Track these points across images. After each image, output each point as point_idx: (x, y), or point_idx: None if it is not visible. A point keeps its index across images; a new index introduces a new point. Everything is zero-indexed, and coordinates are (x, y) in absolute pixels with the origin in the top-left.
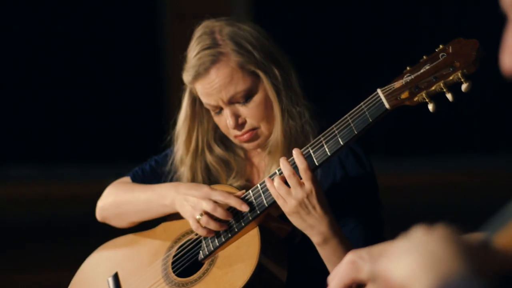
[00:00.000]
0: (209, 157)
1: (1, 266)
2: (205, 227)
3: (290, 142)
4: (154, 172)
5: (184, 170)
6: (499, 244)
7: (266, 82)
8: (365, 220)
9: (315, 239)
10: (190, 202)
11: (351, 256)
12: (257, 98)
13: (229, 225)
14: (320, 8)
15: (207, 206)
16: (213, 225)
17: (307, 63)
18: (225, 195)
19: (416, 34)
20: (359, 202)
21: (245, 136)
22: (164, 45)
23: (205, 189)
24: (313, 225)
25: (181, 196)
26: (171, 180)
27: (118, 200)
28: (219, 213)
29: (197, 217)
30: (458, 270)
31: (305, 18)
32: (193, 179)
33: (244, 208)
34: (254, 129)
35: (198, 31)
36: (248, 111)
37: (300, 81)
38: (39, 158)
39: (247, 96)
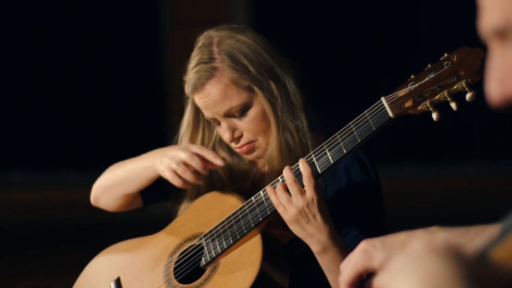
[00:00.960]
0: None
1: (1, 272)
2: (181, 178)
3: (287, 155)
4: None
5: None
6: (497, 258)
7: (261, 97)
8: (368, 229)
9: (314, 248)
10: (168, 155)
11: (364, 244)
12: (253, 112)
13: (231, 232)
14: (322, 14)
15: (184, 156)
16: (189, 176)
17: (308, 69)
18: (202, 148)
19: (421, 42)
20: (363, 210)
21: (243, 149)
22: (164, 51)
23: (184, 144)
24: (312, 234)
25: (161, 154)
26: None
27: (108, 175)
28: (196, 163)
29: (174, 166)
30: None
31: (306, 26)
32: (196, 185)
33: (219, 162)
34: (251, 142)
35: (199, 42)
36: (244, 125)
37: (300, 91)
38: (39, 164)
39: (243, 111)
